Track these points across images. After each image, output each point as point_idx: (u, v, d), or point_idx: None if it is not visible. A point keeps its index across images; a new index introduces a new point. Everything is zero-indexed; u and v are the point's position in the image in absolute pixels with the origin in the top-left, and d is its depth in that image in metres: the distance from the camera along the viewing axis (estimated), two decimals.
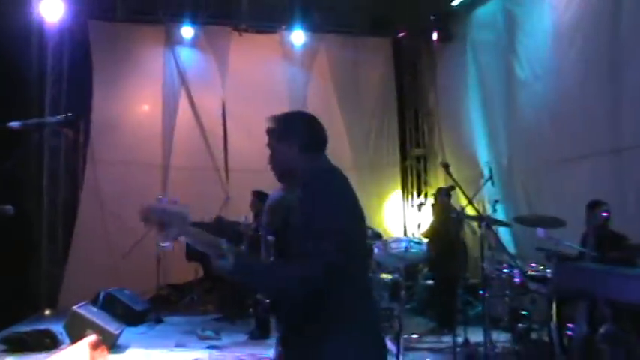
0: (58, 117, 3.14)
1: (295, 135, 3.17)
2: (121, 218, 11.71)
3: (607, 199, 7.34)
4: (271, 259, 3.15)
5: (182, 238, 2.90)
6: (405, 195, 14.16)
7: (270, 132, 3.22)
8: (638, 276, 4.88)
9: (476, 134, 11.72)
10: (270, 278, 2.95)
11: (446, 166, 7.70)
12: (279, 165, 3.22)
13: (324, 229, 2.88)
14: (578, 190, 8.49)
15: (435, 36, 12.72)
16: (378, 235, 9.06)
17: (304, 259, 2.86)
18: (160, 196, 2.99)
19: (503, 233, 10.34)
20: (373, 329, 3.15)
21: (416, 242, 7.80)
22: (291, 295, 2.96)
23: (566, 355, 6.26)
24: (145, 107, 13.15)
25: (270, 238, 3.20)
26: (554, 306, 6.65)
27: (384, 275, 8.25)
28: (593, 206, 7.24)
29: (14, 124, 3.03)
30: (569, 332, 6.31)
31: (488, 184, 9.47)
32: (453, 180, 7.39)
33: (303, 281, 2.88)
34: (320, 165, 3.19)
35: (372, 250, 8.07)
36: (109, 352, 7.80)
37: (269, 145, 3.23)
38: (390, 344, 7.10)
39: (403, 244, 7.67)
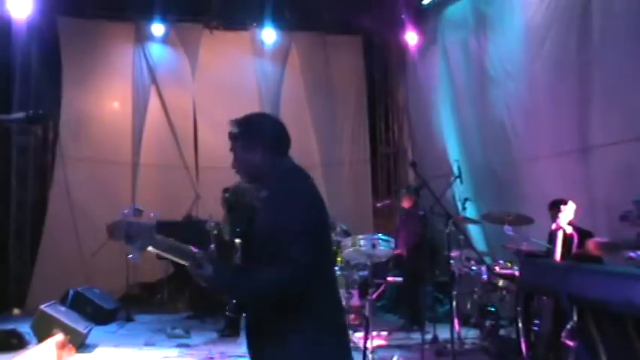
0: (20, 114, 3.10)
1: (258, 139, 3.20)
2: (90, 216, 11.64)
3: (576, 196, 7.42)
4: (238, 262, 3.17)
5: (150, 249, 2.94)
6: (375, 192, 14.16)
7: (232, 136, 3.24)
8: (599, 273, 4.93)
9: (446, 132, 11.78)
10: (253, 285, 2.97)
11: (414, 165, 7.75)
12: (245, 170, 3.24)
13: (300, 231, 2.92)
14: (548, 188, 8.55)
15: (405, 34, 12.78)
16: (346, 233, 9.07)
17: (288, 263, 2.88)
18: (124, 210, 3.08)
19: (474, 231, 10.43)
20: (340, 327, 3.19)
21: (384, 240, 7.81)
22: (275, 300, 2.97)
23: (532, 351, 6.31)
24: (115, 104, 13.06)
25: (237, 241, 3.24)
26: (521, 302, 6.72)
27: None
28: (554, 205, 7.31)
29: None
30: (536, 328, 6.38)
31: (458, 181, 9.55)
32: (421, 178, 7.46)
33: (288, 285, 2.91)
34: (285, 166, 3.23)
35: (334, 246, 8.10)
36: (77, 352, 7.78)
37: (232, 149, 3.24)
38: (357, 342, 7.15)
39: (371, 242, 7.69)
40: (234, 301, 3.08)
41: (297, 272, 2.89)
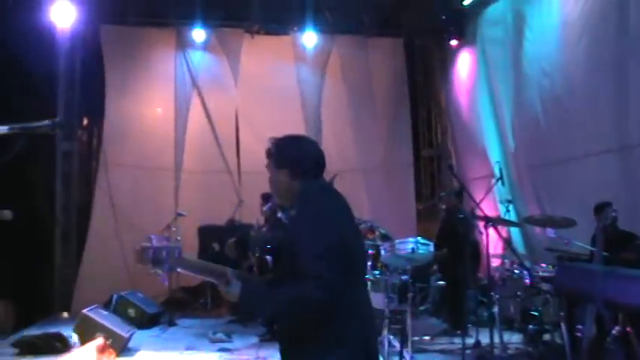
0: (46, 121, 3.12)
1: (287, 161, 3.27)
2: (133, 222, 11.79)
3: (616, 197, 7.27)
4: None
5: (180, 270, 3.11)
6: (418, 196, 14.05)
7: (268, 155, 3.33)
8: (636, 278, 4.80)
9: (486, 133, 11.64)
10: (276, 305, 3.03)
11: (451, 167, 7.66)
12: (274, 189, 3.37)
13: (319, 252, 2.95)
14: (587, 189, 8.39)
15: (446, 35, 12.69)
16: (385, 237, 9.00)
17: (311, 281, 2.91)
18: (150, 236, 3.18)
19: (514, 234, 10.27)
20: (367, 344, 3.18)
21: (423, 243, 7.73)
22: (300, 317, 3.02)
23: (576, 357, 6.18)
24: (157, 111, 13.19)
25: (268, 258, 3.32)
26: (564, 307, 6.60)
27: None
28: (600, 209, 7.15)
29: (0, 129, 3.04)
30: (579, 334, 6.25)
31: (499, 183, 9.42)
32: (459, 181, 7.37)
33: (309, 303, 2.93)
34: (313, 187, 3.25)
35: (367, 259, 8.02)
36: (119, 355, 7.83)
37: (268, 166, 3.33)
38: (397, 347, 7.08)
39: (410, 246, 7.61)
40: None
41: (317, 292, 2.90)
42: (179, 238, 10.62)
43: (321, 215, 3.09)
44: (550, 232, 7.56)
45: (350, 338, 3.07)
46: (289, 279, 3.02)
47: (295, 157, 3.28)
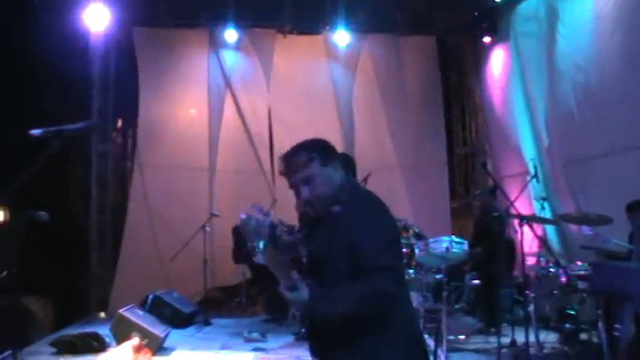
0: (80, 124, 3.16)
1: (330, 157, 3.13)
2: (168, 223, 11.90)
3: None
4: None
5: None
6: (453, 194, 13.98)
7: (303, 162, 3.09)
8: None
9: (520, 130, 11.53)
10: (351, 302, 2.86)
11: (484, 165, 7.60)
12: (327, 191, 3.08)
13: (386, 240, 2.90)
14: (624, 185, 8.27)
15: (479, 32, 12.61)
16: (419, 236, 8.96)
17: (376, 275, 2.82)
18: (256, 205, 3.07)
19: (549, 231, 10.17)
20: (416, 337, 3.14)
21: (457, 242, 7.68)
22: (370, 314, 2.90)
23: (614, 357, 6.10)
24: (191, 111, 13.28)
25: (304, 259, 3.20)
26: (602, 306, 6.52)
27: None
28: (632, 207, 7.05)
29: (35, 132, 3.08)
30: (617, 333, 6.17)
31: (534, 180, 9.33)
32: (492, 178, 7.32)
33: (383, 296, 2.85)
34: (352, 181, 3.22)
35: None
36: (154, 355, 7.89)
37: (298, 180, 3.10)
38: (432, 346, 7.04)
39: (444, 245, 7.57)
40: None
41: (389, 284, 2.83)
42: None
43: (378, 204, 3.04)
44: (586, 229, 7.48)
45: (405, 336, 3.04)
46: (343, 276, 2.91)
47: (335, 151, 3.19)
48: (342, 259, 2.95)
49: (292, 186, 3.13)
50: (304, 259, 3.20)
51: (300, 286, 2.86)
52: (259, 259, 2.92)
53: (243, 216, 3.00)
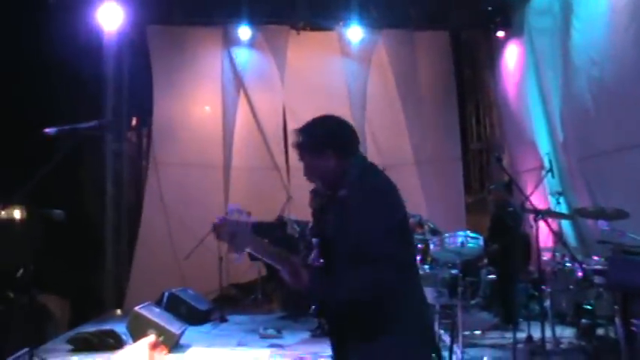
0: (93, 122, 3.17)
1: (327, 142, 3.11)
2: (183, 220, 11.93)
3: None
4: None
5: (247, 250, 2.95)
6: (468, 189, 13.94)
7: (299, 145, 3.17)
8: None
9: (535, 125, 11.46)
10: (349, 290, 2.88)
11: (499, 159, 7.56)
12: (320, 176, 3.17)
13: (388, 228, 2.87)
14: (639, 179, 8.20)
15: (493, 27, 12.56)
16: (434, 231, 8.94)
17: (375, 264, 2.82)
18: (232, 206, 3.06)
19: (565, 226, 10.11)
20: (426, 325, 3.12)
21: (472, 237, 7.64)
22: (370, 302, 2.89)
23: (632, 352, 6.06)
24: (205, 109, 13.31)
25: (314, 240, 3.19)
26: (619, 301, 6.47)
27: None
28: None
29: (49, 131, 3.10)
30: (634, 329, 6.13)
31: (549, 175, 9.28)
32: (507, 173, 7.28)
33: (381, 285, 2.84)
34: (360, 164, 3.13)
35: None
36: (171, 352, 7.90)
37: (302, 158, 3.19)
38: (447, 341, 7.02)
39: (459, 240, 7.53)
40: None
41: (389, 271, 2.82)
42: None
43: (385, 192, 3.01)
44: (602, 224, 7.42)
45: (420, 323, 3.04)
46: (347, 261, 2.90)
47: (333, 133, 3.15)
48: (345, 244, 2.94)
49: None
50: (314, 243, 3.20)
51: (299, 271, 2.90)
52: (237, 259, 2.93)
53: (218, 220, 2.98)
